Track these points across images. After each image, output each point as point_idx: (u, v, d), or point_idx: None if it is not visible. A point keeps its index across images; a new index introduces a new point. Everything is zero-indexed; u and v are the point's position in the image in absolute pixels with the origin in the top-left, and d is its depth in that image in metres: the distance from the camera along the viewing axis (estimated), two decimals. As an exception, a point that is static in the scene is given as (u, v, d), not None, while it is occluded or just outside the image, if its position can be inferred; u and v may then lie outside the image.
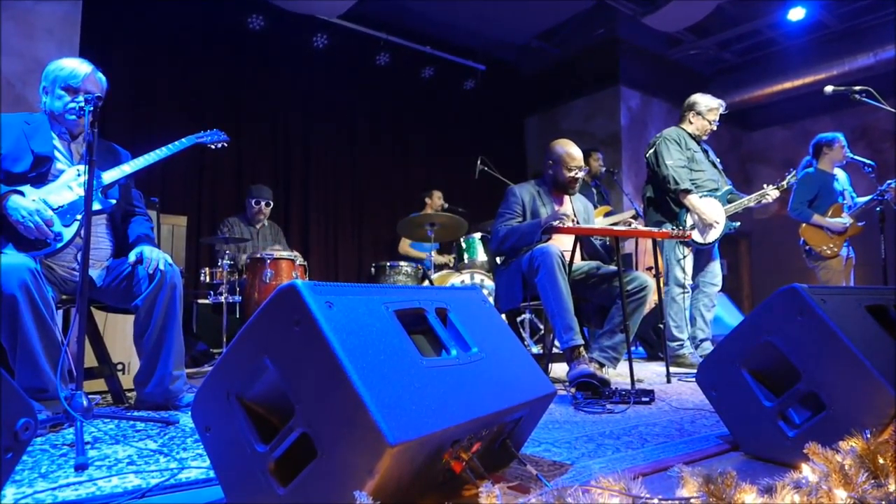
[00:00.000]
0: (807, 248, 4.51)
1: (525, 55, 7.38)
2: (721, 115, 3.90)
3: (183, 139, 2.38)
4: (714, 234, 3.65)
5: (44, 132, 2.16)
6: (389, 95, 6.43)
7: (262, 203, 4.47)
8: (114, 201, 2.24)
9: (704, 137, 3.91)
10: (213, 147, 2.53)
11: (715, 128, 3.89)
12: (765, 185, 3.77)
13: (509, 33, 6.88)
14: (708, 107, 3.84)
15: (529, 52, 7.29)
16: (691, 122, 3.87)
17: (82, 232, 1.95)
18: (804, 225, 4.47)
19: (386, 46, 6.08)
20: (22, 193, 2.01)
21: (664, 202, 3.77)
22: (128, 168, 2.24)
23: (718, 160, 3.96)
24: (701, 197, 3.65)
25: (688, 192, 3.61)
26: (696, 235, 3.64)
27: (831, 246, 4.39)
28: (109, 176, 2.20)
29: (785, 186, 3.82)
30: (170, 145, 2.32)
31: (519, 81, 7.59)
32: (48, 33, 4.13)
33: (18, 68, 4.02)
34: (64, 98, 2.16)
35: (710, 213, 3.61)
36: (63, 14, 4.20)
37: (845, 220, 4.34)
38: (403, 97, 6.54)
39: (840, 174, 4.54)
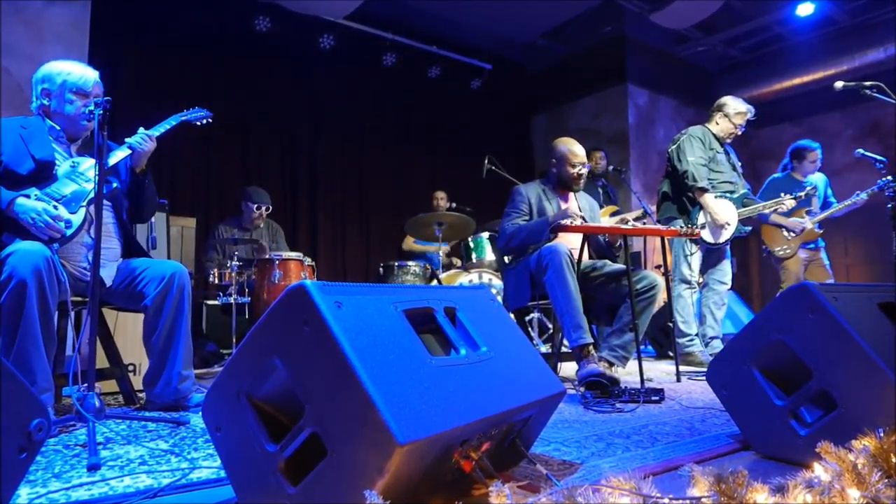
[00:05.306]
0: (763, 247, 4.57)
1: (531, 53, 7.36)
2: (749, 120, 3.90)
3: (169, 118, 2.38)
4: (725, 236, 3.65)
5: (41, 136, 2.15)
6: (396, 95, 6.43)
7: (263, 208, 4.22)
8: (115, 184, 2.24)
9: (728, 140, 3.91)
10: (198, 124, 2.52)
11: (740, 132, 3.90)
12: (782, 194, 3.80)
13: (516, 32, 6.87)
14: (736, 110, 3.84)
15: (536, 51, 7.27)
16: (717, 123, 3.88)
17: (92, 230, 1.96)
18: (764, 225, 4.50)
19: (392, 46, 6.09)
20: (27, 195, 2.01)
21: (679, 198, 3.77)
22: (121, 154, 2.22)
23: (740, 164, 3.96)
24: (716, 198, 3.65)
25: (704, 190, 3.62)
26: (706, 235, 3.64)
27: (785, 248, 4.46)
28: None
29: (803, 197, 3.86)
30: (157, 126, 2.31)
31: (525, 80, 7.58)
32: (57, 37, 4.16)
33: (28, 72, 4.04)
34: (76, 103, 2.17)
35: (723, 214, 3.60)
36: (72, 18, 4.23)
37: (804, 221, 4.36)
38: (410, 97, 6.54)
39: (817, 178, 4.54)
